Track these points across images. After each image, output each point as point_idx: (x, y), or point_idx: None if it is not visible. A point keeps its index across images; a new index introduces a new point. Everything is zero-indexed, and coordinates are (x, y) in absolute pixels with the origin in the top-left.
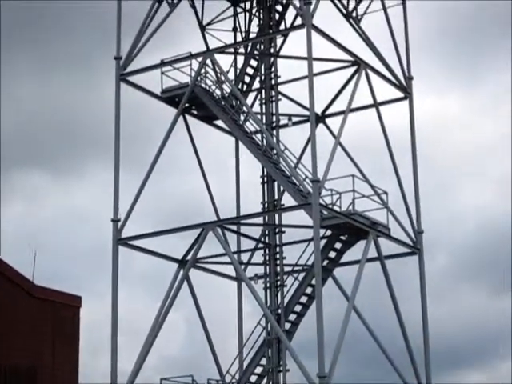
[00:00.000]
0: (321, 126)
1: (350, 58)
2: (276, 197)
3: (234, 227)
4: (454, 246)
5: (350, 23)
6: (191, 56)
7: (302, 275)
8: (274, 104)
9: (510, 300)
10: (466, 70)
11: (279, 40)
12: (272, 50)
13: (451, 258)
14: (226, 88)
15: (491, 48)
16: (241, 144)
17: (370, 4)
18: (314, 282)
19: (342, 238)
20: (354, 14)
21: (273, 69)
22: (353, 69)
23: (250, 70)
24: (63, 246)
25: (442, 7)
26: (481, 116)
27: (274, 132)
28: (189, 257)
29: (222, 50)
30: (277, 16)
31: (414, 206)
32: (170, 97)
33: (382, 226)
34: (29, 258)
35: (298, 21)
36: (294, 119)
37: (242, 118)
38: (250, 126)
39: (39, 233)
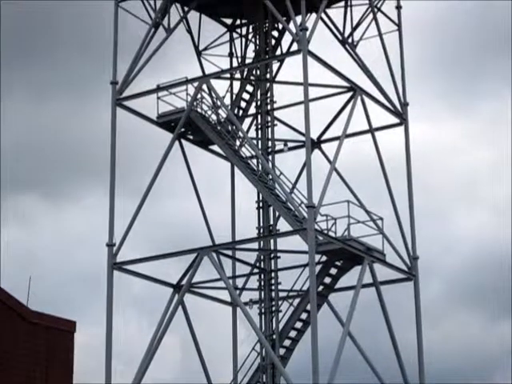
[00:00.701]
0: (316, 151)
1: (345, 83)
2: (271, 222)
3: (229, 252)
4: (450, 271)
5: (346, 49)
6: (187, 81)
7: (297, 301)
8: (269, 129)
9: (506, 326)
10: (461, 96)
11: (275, 65)
12: (268, 76)
13: (446, 283)
14: (222, 113)
15: (487, 73)
16: (236, 169)
17: (365, 30)
18: (309, 307)
19: (338, 263)
20: (349, 40)
21: (268, 94)
22: (348, 94)
23: (245, 96)
24: (58, 270)
25: (438, 33)
26: (476, 142)
27: (270, 157)
28: (184, 281)
29: (217, 75)
30: (273, 42)
31: (410, 232)
32: (166, 122)
33: (378, 251)
34: (23, 282)
35: (294, 46)
36: (290, 144)
37: (238, 143)
38: (246, 152)
39: (34, 257)
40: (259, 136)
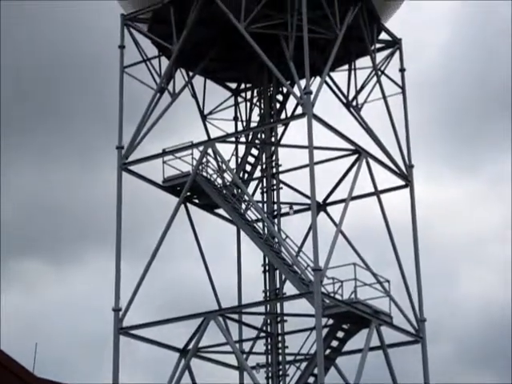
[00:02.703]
0: (322, 214)
1: (350, 146)
2: (278, 285)
3: (236, 316)
4: (457, 333)
5: (351, 112)
6: (193, 145)
7: (304, 364)
8: (275, 192)
9: None
10: (465, 157)
11: (280, 129)
12: (273, 139)
13: (454, 345)
14: (228, 177)
15: (490, 134)
16: (242, 232)
17: (369, 93)
18: (316, 371)
19: (345, 326)
20: (354, 103)
21: (274, 157)
22: (354, 157)
23: (251, 159)
24: (64, 335)
25: (441, 95)
26: (481, 202)
27: (276, 220)
28: (190, 346)
29: (223, 139)
30: (277, 105)
31: (417, 294)
32: (172, 186)
33: (385, 314)
34: (29, 348)
35: (299, 110)
36: (296, 207)
37: (244, 206)
38: (252, 215)
39: (39, 323)
40: (265, 199)
